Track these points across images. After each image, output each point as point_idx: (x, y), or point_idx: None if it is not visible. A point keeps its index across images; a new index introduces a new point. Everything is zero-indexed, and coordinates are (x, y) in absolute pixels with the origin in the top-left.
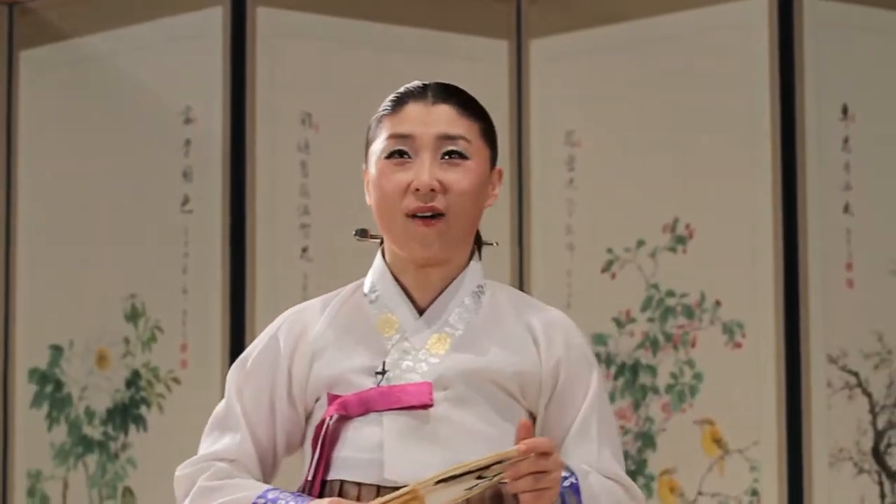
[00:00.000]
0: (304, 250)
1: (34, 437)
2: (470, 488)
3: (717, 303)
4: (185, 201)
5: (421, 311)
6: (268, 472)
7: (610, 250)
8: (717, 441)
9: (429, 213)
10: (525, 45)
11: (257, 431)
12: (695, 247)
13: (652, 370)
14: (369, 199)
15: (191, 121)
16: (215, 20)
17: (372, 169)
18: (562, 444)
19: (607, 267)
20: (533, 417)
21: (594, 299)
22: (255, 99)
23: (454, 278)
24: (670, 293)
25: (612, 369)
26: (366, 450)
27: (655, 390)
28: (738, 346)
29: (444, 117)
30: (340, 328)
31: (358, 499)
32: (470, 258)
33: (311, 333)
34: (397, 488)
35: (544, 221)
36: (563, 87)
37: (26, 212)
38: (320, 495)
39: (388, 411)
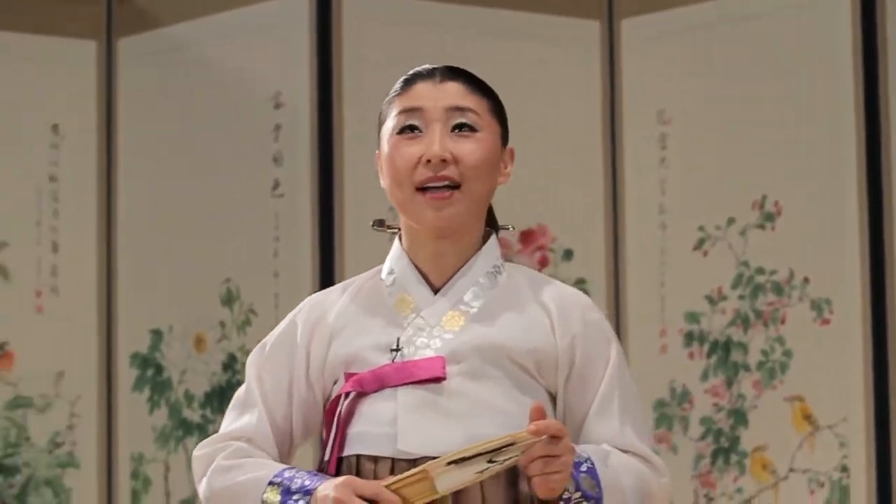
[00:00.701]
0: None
1: (136, 421)
2: (481, 471)
3: (806, 280)
4: (276, 185)
5: (436, 291)
6: (284, 454)
7: (701, 228)
8: (807, 417)
9: (442, 184)
10: (617, 25)
11: (275, 413)
12: (783, 224)
13: (743, 347)
14: (383, 181)
15: (280, 105)
16: (302, 5)
17: (385, 147)
18: (583, 421)
19: (699, 245)
20: (552, 397)
21: (687, 277)
22: (342, 82)
23: (469, 258)
24: (760, 270)
25: (705, 347)
26: (381, 424)
27: (747, 367)
28: (826, 322)
29: (452, 92)
30: (358, 310)
31: (375, 472)
32: (486, 239)
33: (330, 316)
34: (413, 461)
35: (638, 201)
36: (654, 65)
37: (125, 199)
38: (337, 472)
39: (402, 386)
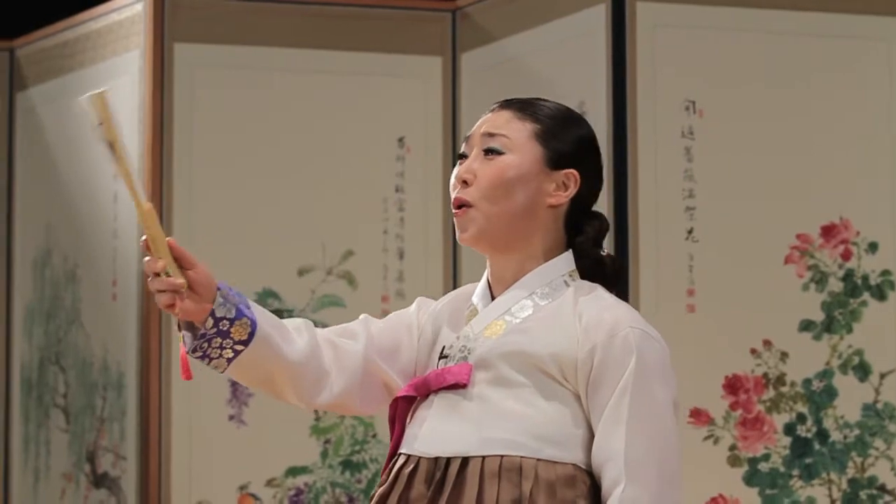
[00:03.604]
0: (690, 232)
1: None
2: None
3: None
4: None
5: None
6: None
7: None
8: None
9: (461, 205)
10: None
11: (376, 342)
12: None
13: None
14: None
15: (584, 113)
16: (599, 17)
17: None
18: (597, 427)
19: None
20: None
21: None
22: (637, 89)
23: (527, 272)
24: None
25: None
26: (418, 425)
27: None
28: None
29: (494, 119)
30: (447, 316)
31: (403, 468)
32: (555, 254)
33: (437, 317)
34: (433, 459)
35: None
36: None
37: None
38: (392, 466)
39: (440, 391)
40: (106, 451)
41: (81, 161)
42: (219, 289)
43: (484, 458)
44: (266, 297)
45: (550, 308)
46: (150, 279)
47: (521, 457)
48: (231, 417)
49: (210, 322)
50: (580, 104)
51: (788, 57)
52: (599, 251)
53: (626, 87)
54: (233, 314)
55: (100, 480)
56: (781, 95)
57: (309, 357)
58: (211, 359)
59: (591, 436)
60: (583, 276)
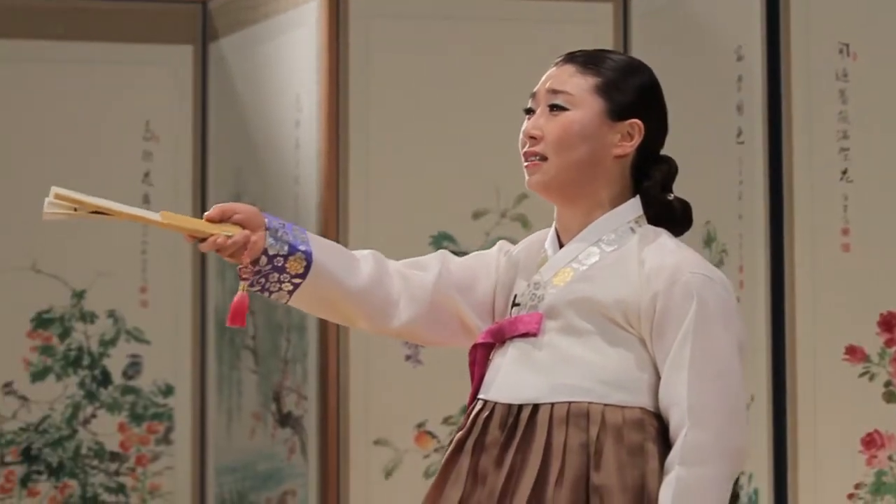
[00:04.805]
0: (844, 172)
1: None
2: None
3: None
4: (739, 133)
5: None
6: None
7: None
8: None
9: (532, 158)
10: None
11: (453, 275)
12: None
13: None
14: None
15: (741, 58)
16: None
17: None
18: (663, 372)
19: None
20: (647, 346)
21: None
22: (791, 33)
23: (592, 221)
24: None
25: None
26: (494, 371)
27: None
28: None
29: (559, 75)
30: (523, 262)
31: (480, 412)
32: (622, 202)
33: (516, 262)
34: (507, 405)
35: None
36: None
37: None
38: (471, 411)
39: (513, 339)
40: (290, 392)
41: (266, 109)
42: (267, 229)
43: (553, 404)
44: (441, 240)
45: (616, 255)
46: (220, 253)
47: (589, 402)
48: (407, 357)
49: (264, 260)
50: (737, 48)
51: None
52: (667, 195)
53: (780, 32)
54: (285, 251)
55: (284, 420)
56: None
57: (374, 285)
58: (271, 292)
59: (658, 379)
60: (651, 222)
